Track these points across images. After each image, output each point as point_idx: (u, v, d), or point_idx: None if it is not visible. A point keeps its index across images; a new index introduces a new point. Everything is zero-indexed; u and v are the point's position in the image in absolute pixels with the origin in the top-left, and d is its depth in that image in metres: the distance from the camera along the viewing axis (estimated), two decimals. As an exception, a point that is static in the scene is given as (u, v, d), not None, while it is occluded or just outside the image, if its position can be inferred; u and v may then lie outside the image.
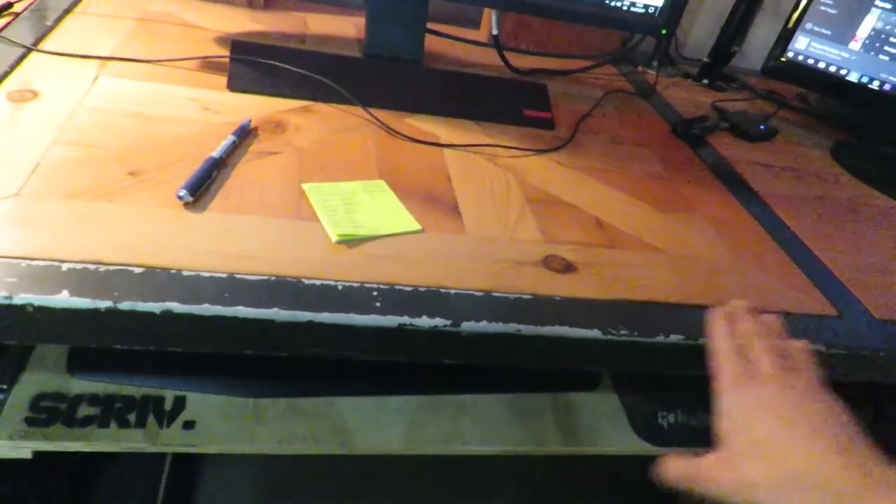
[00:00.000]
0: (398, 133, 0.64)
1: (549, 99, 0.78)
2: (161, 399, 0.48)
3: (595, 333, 0.46)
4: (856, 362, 0.52)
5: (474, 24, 1.02)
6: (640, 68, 1.04)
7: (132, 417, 0.46)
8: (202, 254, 0.43)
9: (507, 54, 0.87)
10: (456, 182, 0.59)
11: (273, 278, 0.42)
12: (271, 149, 0.57)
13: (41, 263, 0.39)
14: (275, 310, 0.40)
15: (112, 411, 0.46)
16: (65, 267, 0.39)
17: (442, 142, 0.65)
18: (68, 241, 0.41)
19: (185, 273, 0.41)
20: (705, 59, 1.04)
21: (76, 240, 0.41)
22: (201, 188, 0.48)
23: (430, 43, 0.82)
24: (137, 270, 0.40)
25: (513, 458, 0.39)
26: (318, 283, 0.43)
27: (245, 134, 0.57)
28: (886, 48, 0.80)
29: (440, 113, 0.70)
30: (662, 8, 0.75)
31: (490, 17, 0.99)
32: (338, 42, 0.84)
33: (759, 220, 0.66)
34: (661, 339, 0.47)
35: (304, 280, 0.43)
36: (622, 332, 0.46)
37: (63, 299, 0.37)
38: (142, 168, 0.50)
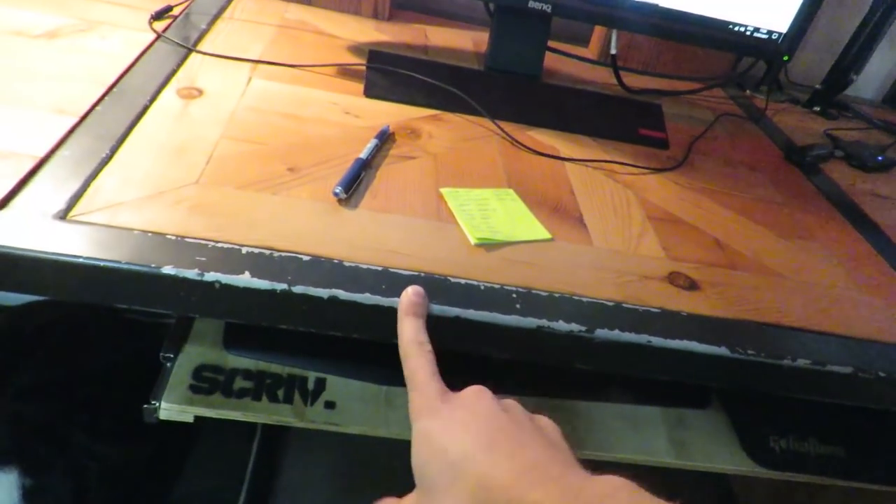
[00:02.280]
0: (522, 145, 0.67)
1: (663, 119, 0.79)
2: (304, 379, 0.51)
3: (723, 351, 0.47)
4: None
5: (582, 41, 1.04)
6: (747, 92, 1.04)
7: (281, 393, 0.50)
8: (358, 247, 0.46)
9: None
10: (579, 195, 0.61)
11: (422, 274, 0.46)
12: (408, 153, 0.60)
13: (224, 246, 0.43)
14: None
15: (263, 386, 0.50)
16: (244, 250, 0.43)
17: (562, 155, 0.67)
18: (244, 227, 0.45)
19: (346, 264, 0.45)
20: (818, 86, 1.02)
21: (250, 226, 0.46)
22: (353, 187, 0.52)
23: (545, 59, 0.84)
24: (305, 258, 0.44)
25: (624, 467, 0.40)
26: (462, 281, 0.46)
27: (385, 138, 0.60)
28: None
29: (558, 127, 0.73)
30: (787, 34, 0.75)
31: (598, 37, 1.01)
32: (457, 54, 0.88)
33: (882, 252, 0.65)
34: (787, 362, 0.48)
35: (450, 278, 0.46)
36: (749, 351, 0.47)
37: (246, 279, 0.41)
38: (298, 165, 0.54)
